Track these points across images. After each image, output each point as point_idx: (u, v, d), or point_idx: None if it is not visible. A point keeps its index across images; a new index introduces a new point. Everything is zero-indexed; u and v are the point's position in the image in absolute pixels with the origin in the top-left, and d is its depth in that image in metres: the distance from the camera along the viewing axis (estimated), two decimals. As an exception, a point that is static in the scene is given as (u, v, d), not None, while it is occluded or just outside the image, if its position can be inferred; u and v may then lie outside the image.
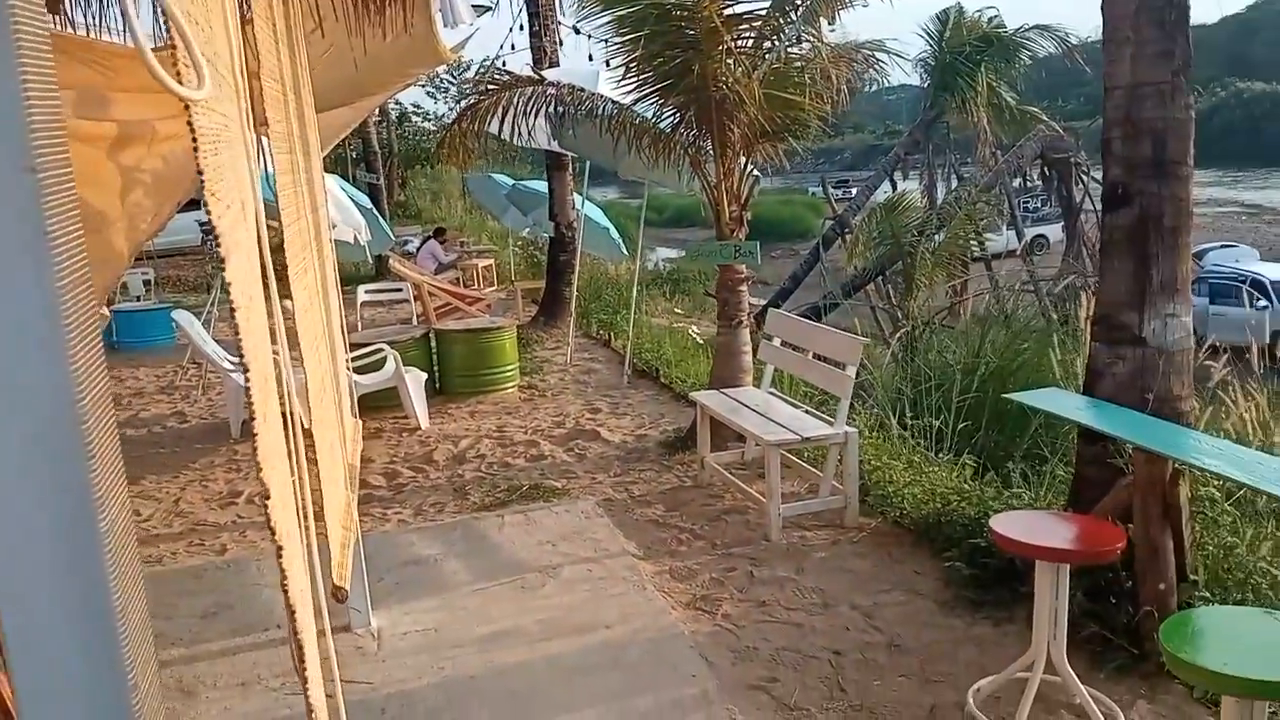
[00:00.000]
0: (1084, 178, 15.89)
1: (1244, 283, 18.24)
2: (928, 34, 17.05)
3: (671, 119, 6.62)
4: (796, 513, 5.17)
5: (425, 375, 7.89)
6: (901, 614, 4.19)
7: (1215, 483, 3.87)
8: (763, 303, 13.70)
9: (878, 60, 7.01)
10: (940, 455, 5.74)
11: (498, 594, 4.51)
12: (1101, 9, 4.08)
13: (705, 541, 5.07)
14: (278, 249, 2.68)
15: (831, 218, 18.65)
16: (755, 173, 6.95)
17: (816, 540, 5.03)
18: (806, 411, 5.63)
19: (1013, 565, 4.01)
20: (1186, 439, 3.65)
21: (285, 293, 2.71)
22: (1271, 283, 19.02)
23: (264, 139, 2.75)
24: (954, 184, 18.29)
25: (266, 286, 1.91)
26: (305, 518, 1.90)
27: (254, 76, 2.63)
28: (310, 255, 3.35)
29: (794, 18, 6.38)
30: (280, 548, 1.48)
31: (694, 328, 11.07)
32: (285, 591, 1.49)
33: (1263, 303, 17.79)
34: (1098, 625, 3.67)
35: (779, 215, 39.33)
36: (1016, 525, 3.31)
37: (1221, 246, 26.49)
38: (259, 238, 1.91)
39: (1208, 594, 3.58)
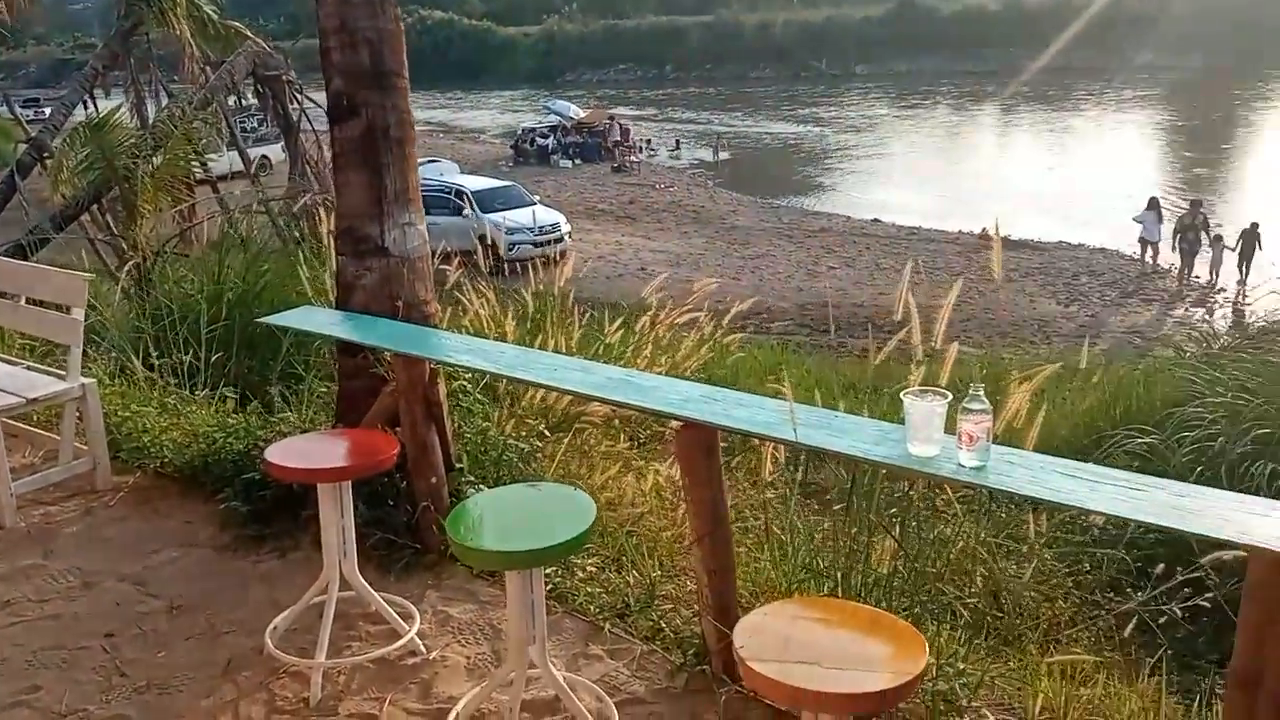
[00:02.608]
0: (299, 96, 15.98)
1: (450, 193, 20.48)
2: (110, -67, 15.35)
3: None
4: (35, 487, 4.38)
5: None
6: (178, 571, 3.82)
7: (465, 375, 4.19)
8: (-55, 245, 11.26)
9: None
10: (197, 392, 5.33)
11: None
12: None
13: (-93, 551, 4.01)
14: None
15: (26, 141, 16.10)
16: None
17: (65, 514, 4.33)
18: (28, 367, 4.75)
19: (291, 491, 3.90)
20: (437, 339, 3.88)
21: None
22: (472, 192, 21.72)
23: None
24: (165, 102, 17.03)
25: None
26: None
27: None
28: None
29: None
30: None
31: None
32: None
33: (468, 211, 20.23)
34: (381, 530, 3.77)
35: (-41, 141, 32.92)
36: (292, 453, 3.18)
37: (428, 161, 29.38)
38: None
39: (472, 478, 3.91)
